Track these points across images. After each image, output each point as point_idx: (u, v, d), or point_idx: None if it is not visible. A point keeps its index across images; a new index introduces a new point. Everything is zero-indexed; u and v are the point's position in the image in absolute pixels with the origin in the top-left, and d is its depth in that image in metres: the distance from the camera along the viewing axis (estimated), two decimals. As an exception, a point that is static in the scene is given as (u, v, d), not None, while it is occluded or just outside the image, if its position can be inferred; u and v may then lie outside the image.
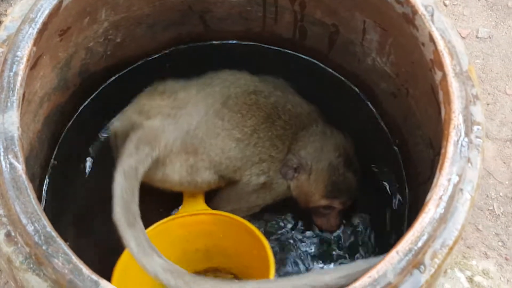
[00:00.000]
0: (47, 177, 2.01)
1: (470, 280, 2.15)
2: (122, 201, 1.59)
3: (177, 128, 1.82)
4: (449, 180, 1.41)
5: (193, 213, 1.91)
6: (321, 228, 2.05)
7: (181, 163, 1.83)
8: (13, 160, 1.35)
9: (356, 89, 2.19)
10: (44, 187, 2.01)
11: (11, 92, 1.41)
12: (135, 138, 1.79)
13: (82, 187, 2.07)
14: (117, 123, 1.96)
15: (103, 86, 2.13)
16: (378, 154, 2.14)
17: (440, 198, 1.39)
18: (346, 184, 1.96)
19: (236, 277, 1.97)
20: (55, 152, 2.06)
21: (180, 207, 1.95)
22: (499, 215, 2.33)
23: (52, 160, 2.04)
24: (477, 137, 1.51)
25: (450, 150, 1.44)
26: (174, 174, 1.84)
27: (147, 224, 1.66)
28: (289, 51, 2.23)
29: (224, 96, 1.90)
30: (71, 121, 2.09)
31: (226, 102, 1.89)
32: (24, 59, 1.45)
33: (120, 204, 1.58)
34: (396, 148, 2.11)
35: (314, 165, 1.94)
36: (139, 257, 1.48)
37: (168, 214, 1.95)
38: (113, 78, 2.15)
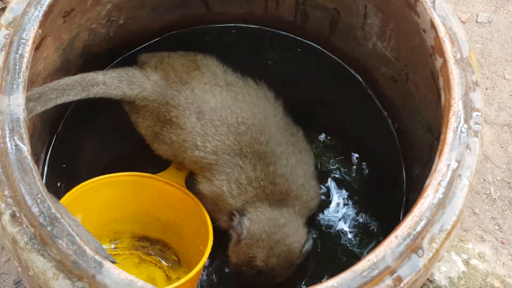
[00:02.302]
0: (48, 156, 2.03)
1: (466, 263, 2.16)
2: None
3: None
4: (448, 165, 1.43)
5: (169, 182, 1.96)
6: None
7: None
8: (18, 142, 1.36)
9: (356, 74, 2.20)
10: (46, 167, 2.03)
11: (17, 74, 1.42)
12: (140, 78, 1.89)
13: (84, 167, 2.09)
14: (148, 58, 2.01)
15: (105, 68, 2.13)
16: (376, 138, 2.16)
17: (439, 183, 1.41)
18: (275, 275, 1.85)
19: (179, 261, 2.01)
20: (57, 132, 2.08)
21: (162, 172, 1.99)
22: (495, 199, 2.35)
23: (53, 140, 2.06)
24: (476, 123, 1.53)
25: (450, 136, 1.45)
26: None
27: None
28: (290, 35, 2.24)
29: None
30: (74, 102, 2.10)
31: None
32: (30, 41, 1.46)
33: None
34: (395, 132, 2.12)
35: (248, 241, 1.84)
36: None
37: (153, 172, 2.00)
38: (116, 61, 2.16)
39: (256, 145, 1.84)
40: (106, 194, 1.93)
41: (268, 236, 1.81)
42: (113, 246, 2.01)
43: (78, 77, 1.83)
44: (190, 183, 1.97)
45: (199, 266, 1.77)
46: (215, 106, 1.85)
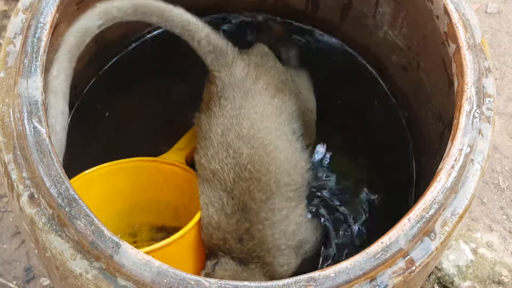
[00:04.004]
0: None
1: (475, 252, 2.17)
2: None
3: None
4: (460, 150, 1.44)
5: (169, 162, 1.95)
6: None
7: None
8: (37, 124, 1.37)
9: (367, 63, 2.21)
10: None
11: (35, 57, 1.43)
12: None
13: (94, 155, 2.10)
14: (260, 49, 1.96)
15: (118, 56, 2.15)
16: (386, 127, 2.17)
17: (452, 167, 1.42)
18: None
19: None
20: (69, 119, 2.08)
21: (163, 154, 1.99)
22: (504, 188, 2.36)
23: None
24: (488, 109, 1.54)
25: (462, 121, 1.46)
26: None
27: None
28: (301, 25, 2.25)
29: None
30: (86, 89, 2.12)
31: None
32: (48, 25, 1.47)
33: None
34: (404, 121, 2.13)
35: None
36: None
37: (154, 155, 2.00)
38: (128, 49, 2.18)
39: (248, 198, 1.74)
40: (110, 183, 1.93)
41: None
42: (133, 240, 2.01)
43: (186, 19, 1.81)
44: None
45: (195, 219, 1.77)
46: (242, 137, 1.76)
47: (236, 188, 1.73)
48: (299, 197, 1.82)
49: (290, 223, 1.77)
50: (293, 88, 1.94)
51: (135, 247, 1.94)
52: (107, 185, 1.92)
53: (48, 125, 1.39)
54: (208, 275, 1.71)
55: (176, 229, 1.99)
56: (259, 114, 1.79)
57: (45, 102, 1.48)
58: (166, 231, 2.03)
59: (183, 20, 1.82)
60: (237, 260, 1.74)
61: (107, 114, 2.14)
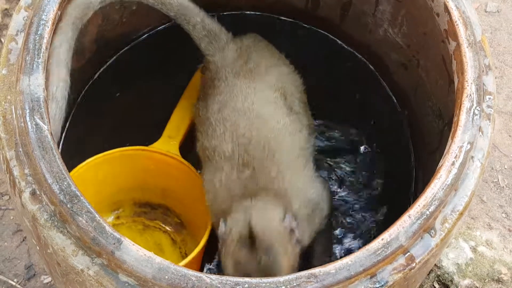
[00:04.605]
0: (61, 142, 2.05)
1: (474, 250, 2.18)
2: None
3: None
4: (461, 147, 1.45)
5: (163, 152, 1.99)
6: None
7: None
8: (39, 121, 1.38)
9: (367, 61, 2.21)
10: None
11: (37, 54, 1.44)
12: None
13: (93, 150, 2.10)
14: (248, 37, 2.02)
15: (118, 54, 2.15)
16: (386, 125, 2.18)
17: (452, 164, 1.43)
18: (256, 265, 1.64)
19: (181, 223, 2.05)
20: (69, 118, 2.09)
21: (155, 143, 2.02)
22: (503, 187, 2.37)
23: (67, 125, 2.08)
24: (488, 106, 1.54)
25: (463, 118, 1.47)
26: None
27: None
28: (301, 23, 2.25)
29: None
30: (86, 88, 2.12)
31: None
32: (50, 23, 1.47)
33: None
34: (404, 119, 2.14)
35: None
36: None
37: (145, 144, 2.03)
38: (127, 46, 2.18)
39: (249, 159, 1.78)
40: (102, 172, 1.96)
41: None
42: (114, 216, 2.05)
43: (182, 2, 1.88)
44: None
45: (205, 238, 1.81)
46: (238, 110, 1.83)
47: (235, 156, 1.77)
48: (300, 157, 1.86)
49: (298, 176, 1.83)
50: (287, 68, 2.01)
51: (118, 223, 2.03)
52: (98, 174, 1.95)
53: (49, 121, 1.39)
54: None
55: (161, 206, 2.05)
56: (252, 88, 1.85)
57: (48, 70, 1.52)
58: (150, 206, 2.07)
59: (179, 3, 1.87)
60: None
61: (107, 111, 2.14)
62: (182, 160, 1.98)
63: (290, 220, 1.69)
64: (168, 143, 2.01)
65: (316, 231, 1.85)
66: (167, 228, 2.05)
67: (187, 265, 1.72)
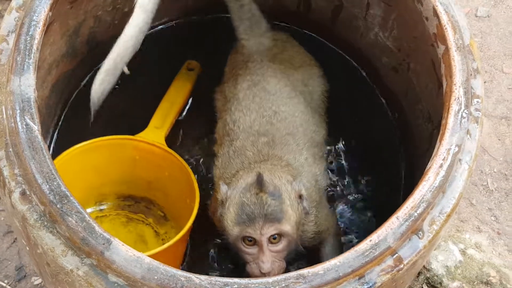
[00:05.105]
0: (53, 143, 2.05)
1: (463, 252, 2.18)
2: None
3: None
4: (448, 150, 1.46)
5: (149, 142, 2.01)
6: (253, 275, 1.70)
7: None
8: (29, 121, 1.38)
9: (357, 64, 2.22)
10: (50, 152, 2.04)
11: (28, 55, 1.44)
12: None
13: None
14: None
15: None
16: (376, 128, 2.18)
17: (440, 167, 1.44)
18: (260, 207, 1.65)
19: (165, 216, 2.06)
20: (61, 119, 2.10)
21: (141, 132, 2.04)
22: (492, 190, 2.37)
23: (58, 126, 2.08)
24: (476, 109, 1.56)
25: (451, 121, 1.48)
26: None
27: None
28: (293, 26, 2.26)
29: None
30: (78, 90, 2.13)
31: None
32: (41, 24, 1.48)
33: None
34: (395, 122, 2.15)
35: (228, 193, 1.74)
36: None
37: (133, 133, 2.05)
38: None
39: (271, 129, 1.89)
40: (88, 159, 1.97)
41: None
42: (99, 208, 2.06)
43: None
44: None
45: (189, 223, 1.81)
46: (269, 91, 1.94)
47: (255, 126, 1.88)
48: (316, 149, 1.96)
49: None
50: (318, 70, 2.11)
51: (102, 215, 2.03)
52: (84, 161, 1.96)
53: (40, 122, 1.39)
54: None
55: (144, 199, 2.07)
56: (285, 75, 1.98)
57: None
58: (133, 199, 2.08)
59: None
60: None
61: (99, 112, 2.14)
62: (168, 149, 2.00)
63: (299, 186, 1.73)
64: (154, 133, 2.03)
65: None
66: (150, 220, 2.06)
67: (166, 251, 1.76)
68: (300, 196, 1.72)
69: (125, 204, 2.07)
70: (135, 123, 2.07)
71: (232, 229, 1.67)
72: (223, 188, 1.72)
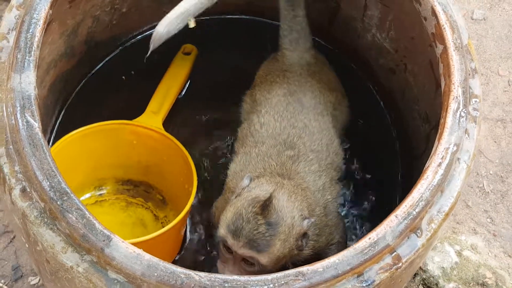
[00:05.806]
0: (50, 143, 2.05)
1: (459, 254, 2.19)
2: None
3: None
4: (447, 148, 1.46)
5: (146, 126, 2.02)
6: (219, 271, 1.74)
7: None
8: (29, 118, 1.38)
9: (354, 65, 2.23)
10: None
11: (28, 52, 1.45)
12: None
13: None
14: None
15: (108, 58, 2.17)
16: (374, 128, 2.19)
17: (439, 165, 1.44)
18: (251, 228, 1.63)
19: (164, 200, 2.08)
20: (59, 119, 2.10)
21: (138, 117, 2.05)
22: (488, 192, 2.38)
23: (56, 126, 2.08)
24: (474, 109, 1.57)
25: (449, 120, 1.49)
26: None
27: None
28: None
29: None
30: (76, 90, 2.13)
31: None
32: (41, 21, 1.48)
33: None
34: (391, 123, 2.16)
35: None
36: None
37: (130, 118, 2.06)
38: (117, 50, 2.20)
39: (295, 139, 1.90)
40: (86, 145, 1.98)
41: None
42: (98, 193, 2.07)
43: None
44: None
45: (187, 207, 1.83)
46: (303, 103, 1.96)
47: (283, 136, 1.89)
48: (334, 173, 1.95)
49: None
50: (345, 100, 2.11)
51: (101, 199, 2.04)
52: (82, 147, 1.97)
53: (40, 120, 1.39)
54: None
55: (143, 183, 2.08)
56: (321, 93, 1.99)
57: None
58: (132, 184, 2.09)
59: None
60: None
61: (97, 113, 2.15)
62: (165, 133, 2.01)
63: (309, 225, 1.70)
64: (151, 118, 2.05)
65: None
66: (150, 204, 2.07)
67: (165, 234, 1.77)
68: (304, 234, 1.70)
69: (124, 188, 2.08)
70: (132, 109, 2.08)
71: (220, 229, 1.67)
72: (246, 180, 1.72)
